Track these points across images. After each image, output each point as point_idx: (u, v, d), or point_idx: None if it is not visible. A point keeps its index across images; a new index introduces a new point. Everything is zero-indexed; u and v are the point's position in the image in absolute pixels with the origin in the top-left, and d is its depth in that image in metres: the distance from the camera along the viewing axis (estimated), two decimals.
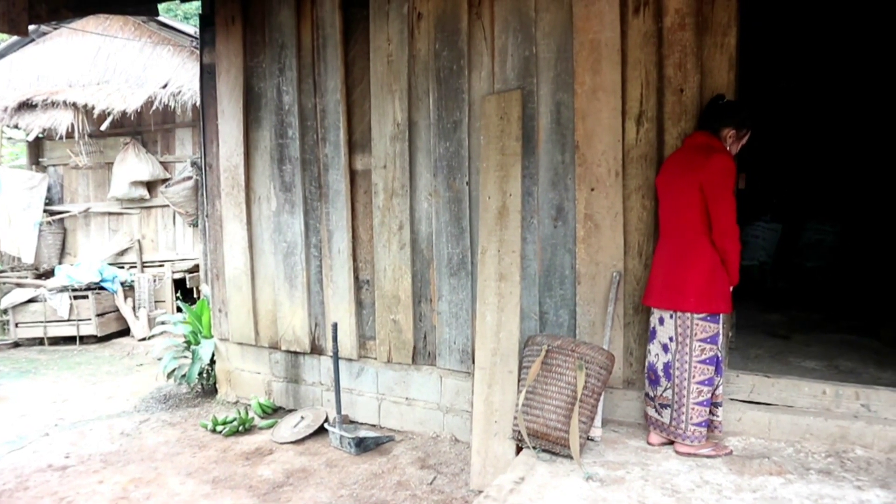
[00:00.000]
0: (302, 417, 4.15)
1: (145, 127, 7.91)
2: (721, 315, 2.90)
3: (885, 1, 4.44)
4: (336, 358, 3.95)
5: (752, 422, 3.12)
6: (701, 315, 2.85)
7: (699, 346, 2.86)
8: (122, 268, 7.93)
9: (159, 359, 5.19)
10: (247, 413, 4.30)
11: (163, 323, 5.57)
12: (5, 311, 7.24)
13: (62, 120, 7.32)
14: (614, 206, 3.31)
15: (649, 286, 3.06)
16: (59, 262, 8.24)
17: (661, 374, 2.97)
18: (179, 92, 7.02)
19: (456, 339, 3.83)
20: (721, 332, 2.91)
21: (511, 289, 3.50)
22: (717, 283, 2.86)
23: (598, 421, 3.12)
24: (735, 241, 2.87)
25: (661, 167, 3.12)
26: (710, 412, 2.98)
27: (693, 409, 2.87)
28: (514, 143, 3.51)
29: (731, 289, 2.94)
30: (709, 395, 2.90)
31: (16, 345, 7.14)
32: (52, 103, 7.34)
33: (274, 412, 4.48)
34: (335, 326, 3.97)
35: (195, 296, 7.38)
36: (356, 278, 4.15)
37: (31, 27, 5.22)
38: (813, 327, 4.50)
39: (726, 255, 2.88)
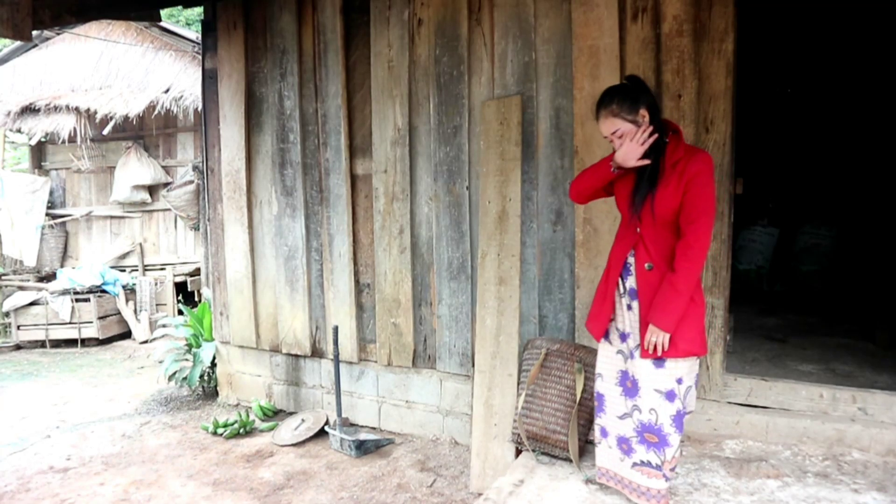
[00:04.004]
0: (302, 420, 4.17)
1: (147, 131, 7.94)
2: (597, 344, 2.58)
3: (882, 5, 4.47)
4: (337, 361, 3.97)
5: (749, 425, 3.14)
6: None
7: None
8: (124, 271, 7.96)
9: (160, 361, 5.22)
10: (247, 415, 4.32)
11: (164, 326, 5.59)
12: (7, 314, 7.27)
13: (65, 124, 7.35)
14: (613, 211, 3.32)
15: None
16: (61, 266, 8.27)
17: None
18: (181, 97, 7.05)
19: (456, 343, 3.85)
20: (595, 366, 2.59)
21: (511, 292, 3.53)
22: None
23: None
24: None
25: None
26: None
27: None
28: (513, 147, 3.54)
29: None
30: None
31: (17, 347, 7.16)
32: (55, 108, 7.38)
33: (275, 415, 4.50)
34: (336, 329, 4.00)
35: (196, 299, 7.41)
36: (357, 282, 4.18)
37: (35, 32, 5.26)
38: (809, 331, 4.52)
39: None
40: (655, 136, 2.32)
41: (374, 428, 4.17)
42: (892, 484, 2.63)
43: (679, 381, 2.35)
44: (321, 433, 4.06)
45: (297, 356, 4.46)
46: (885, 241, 5.38)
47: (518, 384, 3.33)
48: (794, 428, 3.05)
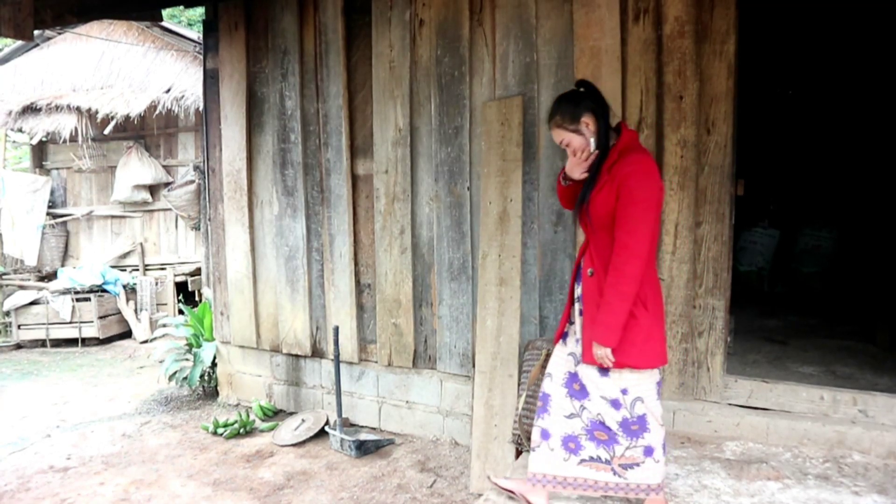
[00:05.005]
0: (303, 420, 4.17)
1: (148, 131, 7.95)
2: None
3: (882, 6, 4.47)
4: (337, 361, 3.97)
5: (750, 427, 3.14)
6: None
7: None
8: (125, 271, 7.96)
9: (161, 361, 5.22)
10: (248, 416, 4.32)
11: (164, 326, 5.60)
12: (8, 314, 7.27)
13: (66, 124, 7.36)
14: None
15: (663, 339, 2.41)
16: (62, 265, 8.27)
17: None
18: (182, 97, 7.06)
19: (456, 343, 3.85)
20: (547, 366, 2.59)
21: (511, 293, 3.52)
22: None
23: None
24: None
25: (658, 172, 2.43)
26: None
27: None
28: (515, 148, 3.53)
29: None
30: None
31: (18, 347, 7.16)
32: (56, 107, 7.38)
33: (275, 415, 4.50)
34: (336, 330, 4.00)
35: (197, 299, 7.41)
36: (357, 282, 4.18)
37: (36, 32, 5.26)
38: (810, 332, 4.51)
39: None
40: (596, 153, 2.31)
41: (374, 428, 4.16)
42: (892, 486, 2.62)
43: (624, 392, 2.35)
44: (321, 433, 4.06)
45: (297, 356, 4.46)
46: (885, 242, 5.38)
47: (518, 385, 3.33)
48: (795, 430, 3.05)
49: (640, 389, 2.35)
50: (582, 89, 2.37)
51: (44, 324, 7.13)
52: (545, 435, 2.50)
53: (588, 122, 2.30)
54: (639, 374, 2.35)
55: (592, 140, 2.31)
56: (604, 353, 2.27)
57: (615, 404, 2.36)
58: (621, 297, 2.22)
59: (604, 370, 2.35)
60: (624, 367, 2.31)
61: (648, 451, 2.37)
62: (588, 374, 2.39)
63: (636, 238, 2.20)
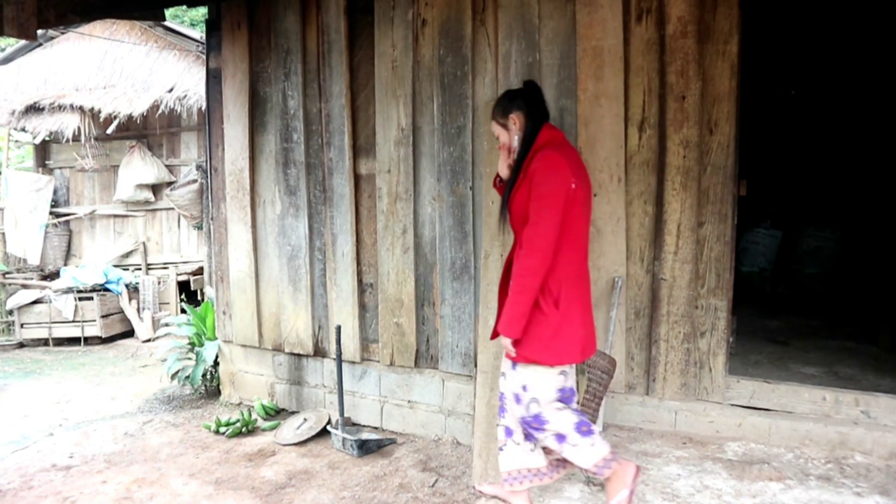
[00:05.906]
0: (305, 419, 4.18)
1: (151, 130, 7.96)
2: None
3: (883, 6, 4.47)
4: (339, 360, 3.98)
5: (751, 427, 3.14)
6: None
7: None
8: (127, 270, 7.98)
9: (163, 360, 5.23)
10: (250, 415, 4.33)
11: (167, 325, 5.61)
12: (11, 312, 7.29)
13: (69, 123, 7.38)
14: (616, 212, 3.33)
15: (574, 339, 2.35)
16: (65, 264, 8.29)
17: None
18: (185, 96, 7.07)
19: (458, 343, 3.85)
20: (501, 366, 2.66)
21: None
22: None
23: (599, 425, 3.14)
24: None
25: (569, 168, 2.31)
26: None
27: None
28: None
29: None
30: None
31: (21, 345, 7.18)
32: (59, 107, 7.41)
33: (277, 414, 4.50)
34: (338, 329, 4.01)
35: (199, 298, 7.42)
36: (360, 282, 4.18)
37: (40, 32, 5.27)
38: (812, 333, 4.51)
39: None
40: (515, 152, 2.39)
41: (376, 428, 4.17)
42: (894, 488, 2.62)
43: (524, 388, 2.38)
44: (323, 433, 4.06)
45: (299, 355, 4.47)
46: (888, 243, 5.37)
47: None
48: (797, 430, 3.05)
49: (536, 391, 2.37)
50: (523, 89, 2.47)
51: (46, 323, 7.15)
52: (509, 432, 2.53)
53: (516, 120, 2.38)
54: (536, 372, 2.35)
55: (516, 137, 2.39)
56: (505, 343, 2.33)
57: (517, 399, 2.41)
58: (520, 289, 2.26)
59: (514, 364, 2.39)
60: (526, 360, 2.34)
61: (560, 438, 2.37)
62: (505, 366, 2.44)
63: (539, 233, 2.23)
